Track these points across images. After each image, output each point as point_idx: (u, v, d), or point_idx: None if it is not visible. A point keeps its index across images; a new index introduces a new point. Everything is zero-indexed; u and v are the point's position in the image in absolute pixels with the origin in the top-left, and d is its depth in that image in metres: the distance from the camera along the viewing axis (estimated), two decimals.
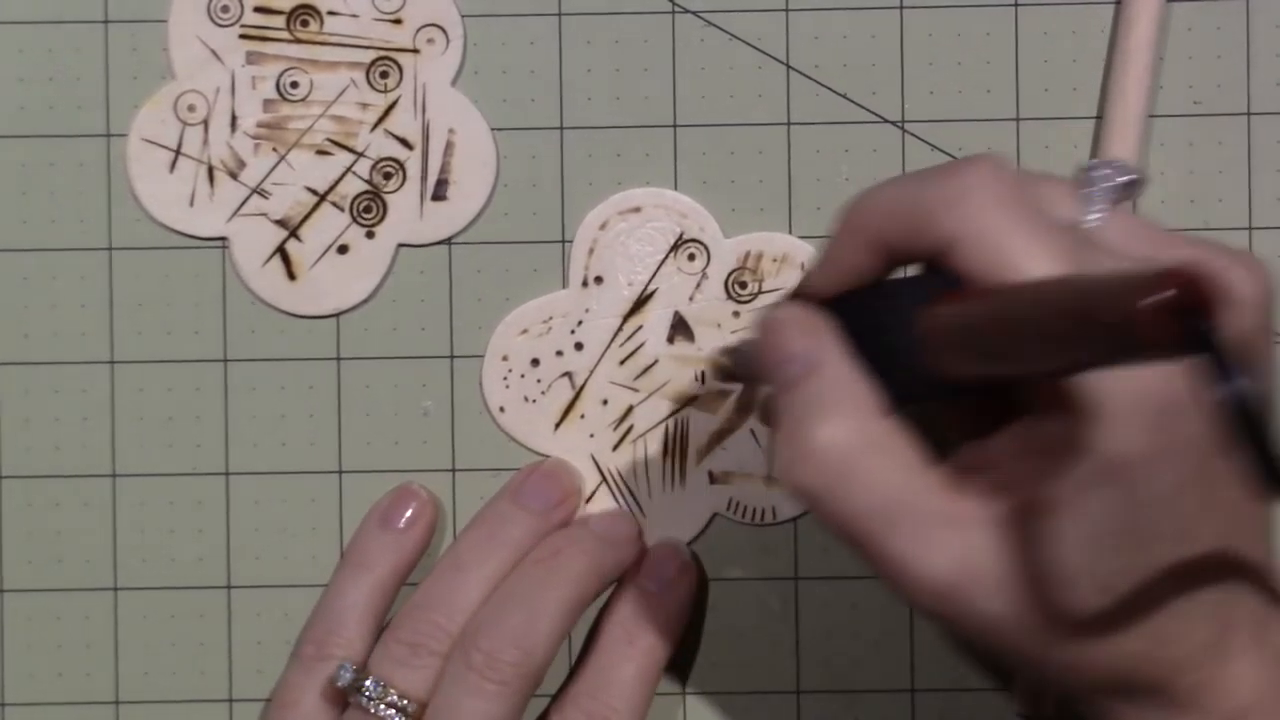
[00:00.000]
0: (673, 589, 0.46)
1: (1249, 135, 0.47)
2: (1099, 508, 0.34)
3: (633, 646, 0.45)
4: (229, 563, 0.48)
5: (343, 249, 0.48)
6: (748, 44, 0.48)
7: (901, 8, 0.48)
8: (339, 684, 0.44)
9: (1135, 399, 0.34)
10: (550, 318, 0.48)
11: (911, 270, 0.38)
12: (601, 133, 0.48)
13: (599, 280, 0.47)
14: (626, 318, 0.47)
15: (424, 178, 0.48)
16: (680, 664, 0.48)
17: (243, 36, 0.48)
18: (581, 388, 0.48)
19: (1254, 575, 0.37)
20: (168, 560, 0.48)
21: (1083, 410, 0.35)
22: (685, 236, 0.47)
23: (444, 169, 0.48)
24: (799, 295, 0.39)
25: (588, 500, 0.48)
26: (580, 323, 0.47)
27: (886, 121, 0.48)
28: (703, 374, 0.47)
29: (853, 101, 0.48)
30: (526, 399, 0.48)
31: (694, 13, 0.48)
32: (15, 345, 0.48)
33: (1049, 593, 0.36)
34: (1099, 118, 0.47)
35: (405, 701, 0.43)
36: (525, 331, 0.48)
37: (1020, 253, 0.35)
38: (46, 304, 0.48)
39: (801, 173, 0.48)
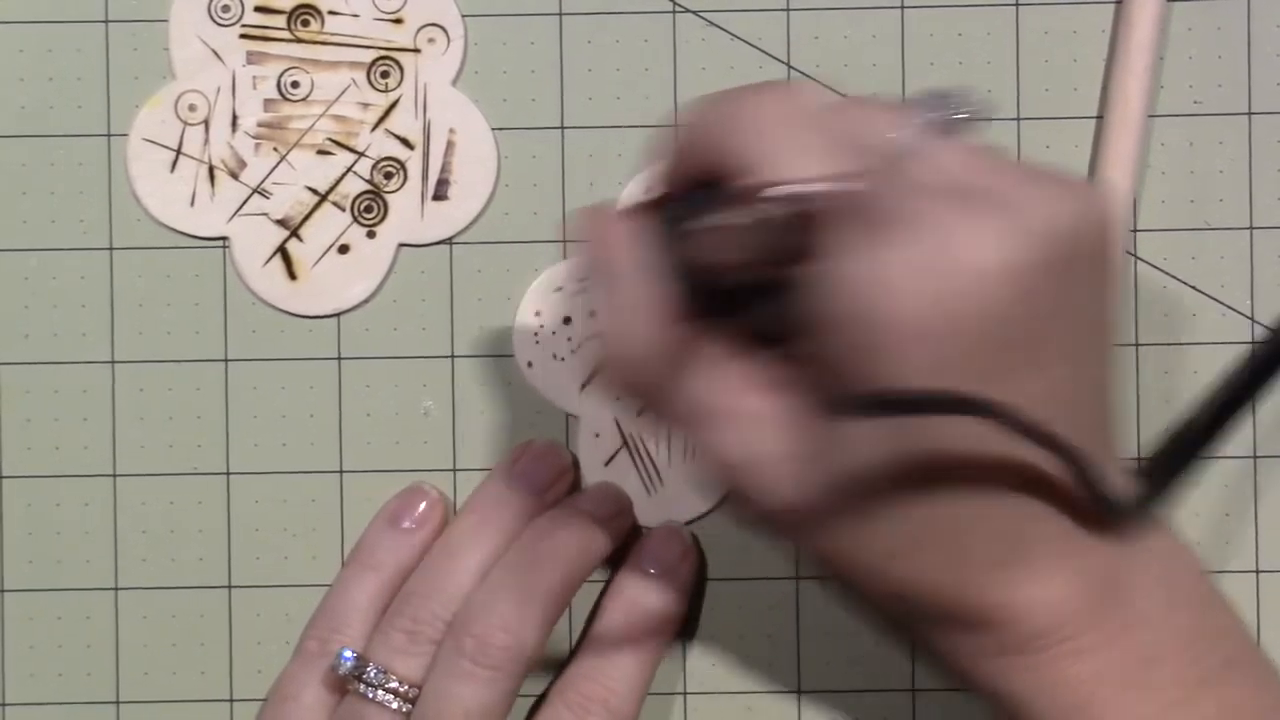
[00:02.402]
0: (674, 572, 0.46)
1: (1249, 135, 0.47)
2: (824, 367, 0.36)
3: (633, 629, 0.45)
4: (229, 563, 0.48)
5: (343, 249, 0.48)
6: (748, 44, 0.48)
7: (902, 8, 0.48)
8: (340, 671, 0.44)
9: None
10: (586, 277, 0.47)
11: None
12: (602, 133, 0.48)
13: None
14: None
15: (425, 178, 0.48)
16: (680, 648, 0.48)
17: (243, 36, 0.48)
18: None
19: (1057, 490, 0.37)
20: (168, 560, 0.48)
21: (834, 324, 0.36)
22: None
23: (445, 169, 0.48)
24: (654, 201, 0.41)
25: (607, 463, 0.47)
26: None
27: None
28: None
29: None
30: (555, 356, 0.48)
31: (694, 13, 0.48)
32: (15, 345, 0.48)
33: (825, 497, 0.37)
34: (1099, 118, 0.47)
35: (405, 687, 0.43)
36: (560, 289, 0.47)
37: (796, 169, 0.36)
38: (47, 304, 0.48)
39: None
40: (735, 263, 0.38)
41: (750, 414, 0.38)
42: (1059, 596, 0.37)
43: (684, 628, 0.47)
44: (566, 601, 0.44)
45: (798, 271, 0.36)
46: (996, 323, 0.35)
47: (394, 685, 0.43)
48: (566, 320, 0.48)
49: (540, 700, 0.46)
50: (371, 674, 0.43)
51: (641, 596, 0.46)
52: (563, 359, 0.48)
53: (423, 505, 0.47)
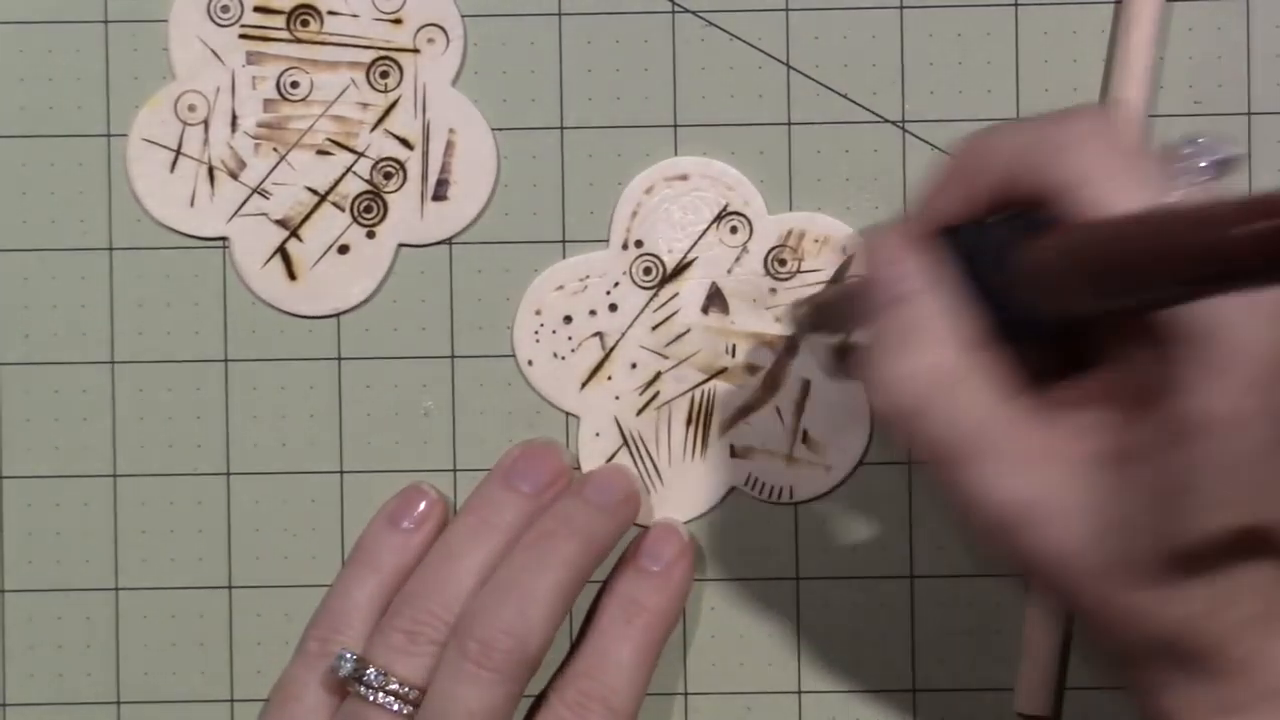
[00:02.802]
0: (672, 569, 0.46)
1: (1249, 135, 0.47)
2: (1178, 462, 0.35)
3: (631, 626, 0.45)
4: (229, 563, 0.48)
5: (343, 249, 0.48)
6: (748, 44, 0.48)
7: (901, 8, 0.48)
8: (340, 674, 0.44)
9: (1238, 357, 0.34)
10: (587, 276, 0.48)
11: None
12: (601, 133, 0.48)
13: (639, 244, 0.47)
14: (663, 284, 0.47)
15: (424, 178, 0.48)
16: (680, 647, 0.48)
17: (243, 36, 0.48)
18: (611, 349, 0.48)
19: None
20: (168, 560, 0.48)
21: (1180, 359, 0.35)
22: (729, 209, 0.47)
23: (444, 169, 0.48)
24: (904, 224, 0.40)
25: (608, 462, 0.48)
26: (616, 284, 0.47)
27: (886, 121, 0.48)
28: (734, 347, 0.47)
29: (853, 101, 0.48)
30: (556, 355, 0.48)
31: (694, 13, 0.48)
32: (15, 345, 0.48)
33: (1116, 538, 0.36)
34: None
35: (406, 689, 0.43)
36: (561, 288, 0.48)
37: (1133, 197, 0.36)
38: (47, 304, 0.48)
39: (802, 173, 0.48)
40: (1060, 293, 0.36)
41: (1056, 450, 0.37)
42: None
43: (682, 625, 0.47)
44: (572, 600, 0.44)
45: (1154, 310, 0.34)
46: None
47: (394, 687, 0.43)
48: (567, 319, 0.48)
49: (539, 700, 0.45)
50: (371, 676, 0.43)
51: (639, 594, 0.46)
52: (563, 358, 0.48)
53: (422, 505, 0.46)
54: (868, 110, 0.48)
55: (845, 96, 0.48)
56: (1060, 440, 0.37)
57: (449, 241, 0.48)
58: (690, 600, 0.46)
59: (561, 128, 0.48)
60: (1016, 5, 0.48)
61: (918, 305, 0.38)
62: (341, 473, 0.48)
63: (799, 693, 0.48)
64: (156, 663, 0.48)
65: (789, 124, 0.48)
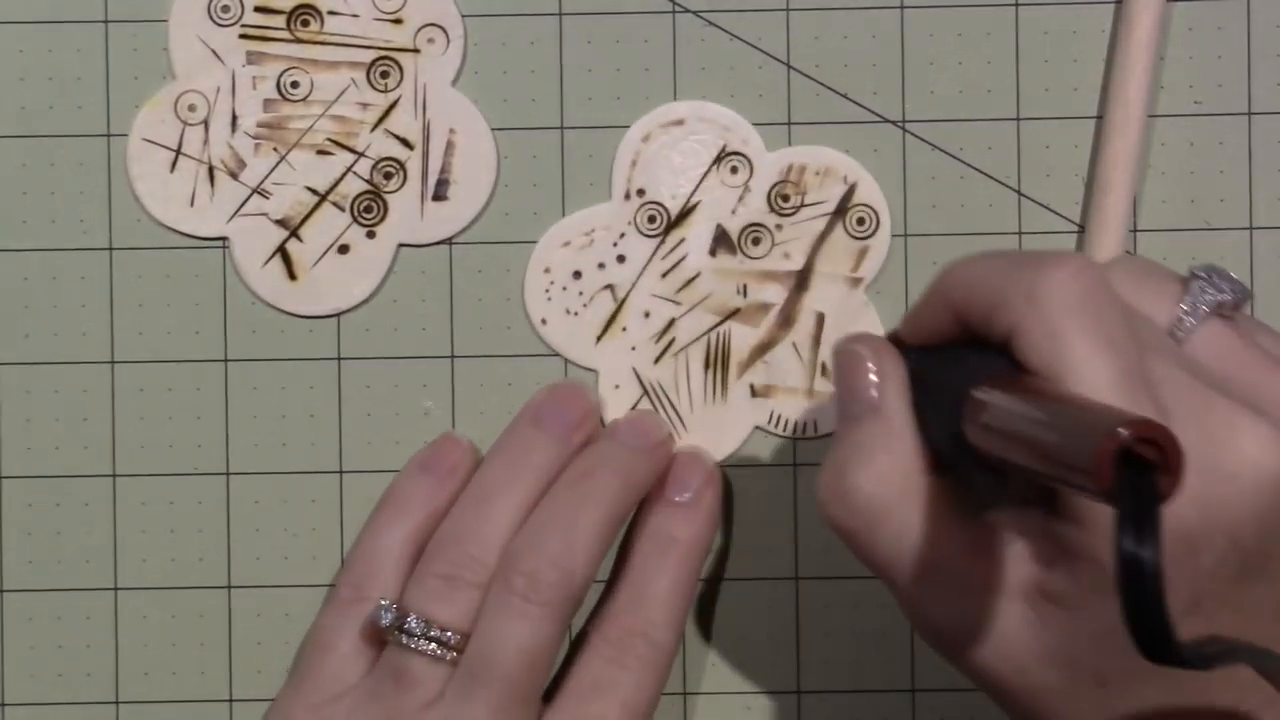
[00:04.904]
0: (700, 497, 0.46)
1: (1250, 135, 0.47)
2: (1096, 610, 0.36)
3: (665, 559, 0.45)
4: (229, 563, 0.48)
5: (343, 249, 0.48)
6: (748, 44, 0.48)
7: (902, 8, 0.48)
8: (381, 623, 0.43)
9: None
10: (592, 230, 0.48)
11: None
12: (601, 133, 0.48)
13: (641, 193, 0.47)
14: (669, 230, 0.47)
15: (424, 178, 0.48)
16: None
17: (243, 36, 0.48)
18: (623, 300, 0.48)
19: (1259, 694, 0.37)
20: (168, 560, 0.48)
21: (1081, 519, 0.36)
22: (728, 149, 0.47)
23: (444, 169, 0.48)
24: (888, 336, 0.42)
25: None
26: (622, 235, 0.47)
27: (887, 121, 0.48)
28: (745, 286, 0.47)
29: (853, 101, 0.48)
30: (568, 311, 0.48)
31: (694, 13, 0.48)
32: (15, 345, 0.48)
33: (1043, 671, 0.37)
34: (1099, 118, 0.47)
35: (448, 634, 0.43)
36: (567, 244, 0.47)
37: (1077, 361, 0.36)
38: (47, 304, 0.48)
39: None
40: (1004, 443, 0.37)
41: (990, 580, 0.37)
42: None
43: (714, 559, 0.47)
44: (613, 536, 0.44)
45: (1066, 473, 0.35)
46: (1259, 532, 0.35)
47: (436, 633, 0.43)
48: (576, 274, 0.48)
49: (578, 639, 0.45)
50: (413, 624, 0.43)
51: (670, 526, 0.45)
52: (576, 313, 0.48)
53: (455, 454, 0.46)
54: (868, 110, 0.48)
55: (845, 96, 0.48)
56: (998, 568, 0.37)
57: (449, 241, 0.48)
58: (690, 601, 0.46)
59: (562, 128, 0.48)
60: (1016, 5, 0.48)
61: (872, 423, 0.39)
62: (341, 473, 0.48)
63: (799, 693, 0.48)
64: (156, 663, 0.48)
65: (789, 124, 0.48)
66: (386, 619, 0.43)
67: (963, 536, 0.38)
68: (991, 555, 0.38)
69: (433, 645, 0.43)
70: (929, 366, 0.40)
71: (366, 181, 0.48)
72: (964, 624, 0.38)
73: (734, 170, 0.47)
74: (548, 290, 0.48)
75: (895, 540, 0.39)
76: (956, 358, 0.39)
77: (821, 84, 0.48)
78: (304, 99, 0.48)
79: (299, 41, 0.48)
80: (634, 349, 0.48)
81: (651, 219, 0.48)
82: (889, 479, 0.39)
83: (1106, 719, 0.37)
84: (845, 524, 0.39)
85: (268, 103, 0.48)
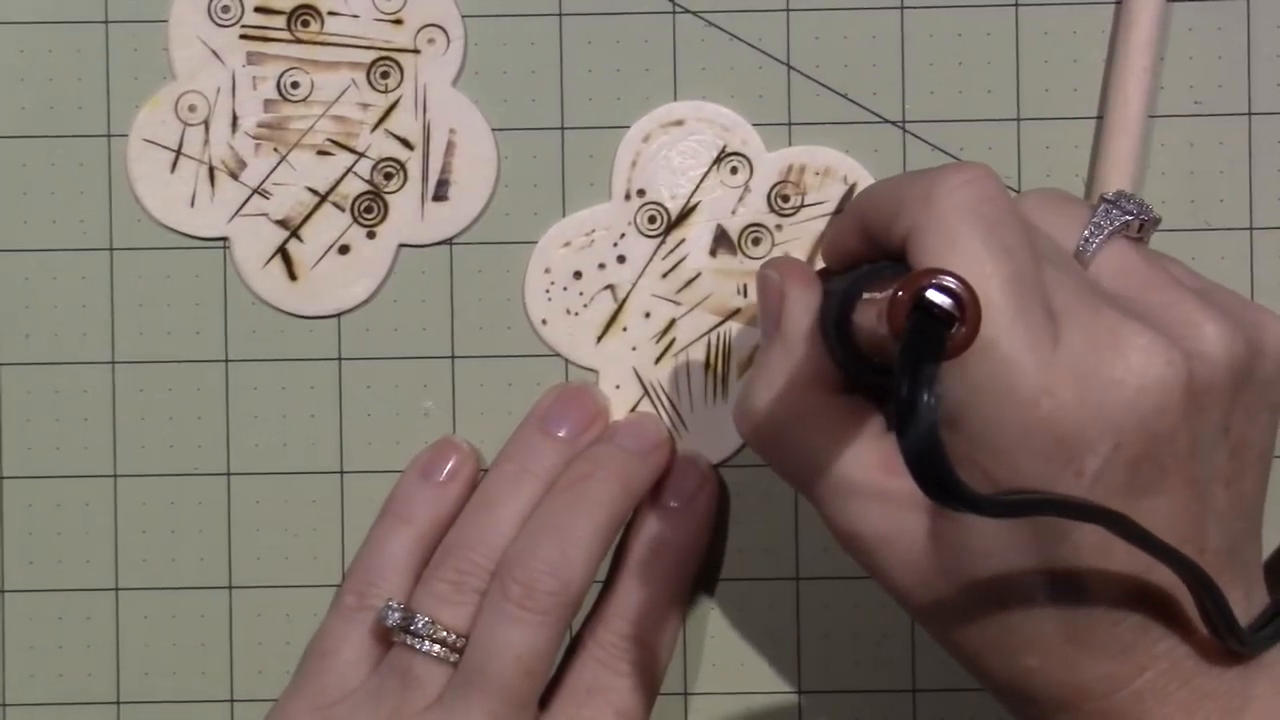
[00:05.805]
0: (694, 502, 0.46)
1: (1250, 135, 0.47)
2: (981, 525, 0.36)
3: (660, 563, 0.45)
4: (230, 563, 0.48)
5: (344, 249, 0.48)
6: (748, 44, 0.48)
7: (902, 8, 0.48)
8: (388, 623, 0.44)
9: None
10: (592, 230, 0.48)
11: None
12: (601, 133, 0.48)
13: (641, 193, 0.47)
14: (669, 231, 0.47)
15: (425, 178, 0.48)
16: (677, 649, 0.48)
17: (243, 36, 0.48)
18: (624, 300, 0.48)
19: (1177, 613, 0.37)
20: (168, 560, 0.48)
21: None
22: (728, 150, 0.47)
23: (445, 169, 0.48)
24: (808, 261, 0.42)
25: (630, 413, 0.48)
26: (622, 235, 0.47)
27: (886, 121, 0.48)
28: (745, 286, 0.47)
29: (853, 101, 0.48)
30: (569, 311, 0.48)
31: (694, 13, 0.48)
32: (16, 345, 0.48)
33: (951, 585, 0.37)
34: (1099, 118, 0.47)
35: (453, 637, 0.43)
36: (568, 244, 0.48)
37: (966, 260, 0.36)
38: (47, 304, 0.48)
39: None
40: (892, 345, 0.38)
41: (893, 494, 0.38)
42: (1173, 713, 0.37)
43: (710, 562, 0.47)
44: (610, 541, 0.44)
45: (954, 363, 0.35)
46: (1144, 440, 0.36)
47: (442, 635, 0.43)
48: (577, 275, 0.48)
49: (573, 644, 0.45)
50: (420, 624, 0.43)
51: (664, 532, 0.46)
52: (576, 314, 0.48)
53: (454, 458, 0.46)
54: (868, 110, 0.48)
55: (845, 96, 0.48)
56: (901, 484, 0.38)
57: (449, 241, 0.48)
58: (683, 605, 0.46)
59: (562, 128, 0.48)
60: (1016, 5, 0.48)
61: (776, 345, 0.40)
62: (341, 473, 0.48)
63: (799, 692, 0.48)
64: (157, 663, 0.48)
65: (789, 124, 0.48)
66: (393, 619, 0.43)
67: (870, 454, 0.39)
68: (898, 471, 0.38)
69: (437, 646, 0.43)
70: (838, 287, 0.40)
71: (367, 182, 0.48)
72: (873, 534, 0.38)
73: (734, 170, 0.47)
74: (548, 290, 0.48)
75: (798, 456, 0.39)
76: (860, 275, 0.39)
77: (821, 84, 0.48)
78: (304, 99, 0.48)
79: (299, 42, 0.48)
80: (634, 349, 0.48)
81: (652, 219, 0.48)
82: (787, 399, 0.39)
83: (1001, 642, 0.38)
84: (751, 441, 0.41)
85: (268, 103, 0.48)
